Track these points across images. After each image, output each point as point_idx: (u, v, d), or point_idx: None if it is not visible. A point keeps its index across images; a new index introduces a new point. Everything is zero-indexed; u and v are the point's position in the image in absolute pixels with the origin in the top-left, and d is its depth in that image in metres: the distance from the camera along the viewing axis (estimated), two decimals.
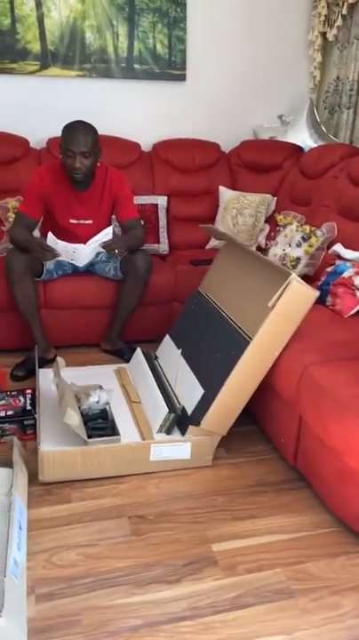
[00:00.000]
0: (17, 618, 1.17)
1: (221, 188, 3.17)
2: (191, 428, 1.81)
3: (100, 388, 2.01)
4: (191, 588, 1.38)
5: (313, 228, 2.49)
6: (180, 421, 1.86)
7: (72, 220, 2.44)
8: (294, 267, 2.47)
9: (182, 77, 3.25)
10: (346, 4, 2.99)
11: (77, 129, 2.25)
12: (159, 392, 1.97)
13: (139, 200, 2.92)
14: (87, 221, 2.43)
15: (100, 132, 2.33)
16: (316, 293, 1.69)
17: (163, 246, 3.03)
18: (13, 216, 2.65)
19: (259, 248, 2.94)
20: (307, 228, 2.51)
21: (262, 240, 2.96)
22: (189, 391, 1.90)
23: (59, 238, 2.25)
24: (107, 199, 2.45)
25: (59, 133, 2.32)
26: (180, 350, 2.09)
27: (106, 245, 2.28)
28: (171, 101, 3.29)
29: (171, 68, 3.22)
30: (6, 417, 1.97)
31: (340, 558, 1.49)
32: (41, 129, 3.00)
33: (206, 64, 3.27)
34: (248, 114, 3.44)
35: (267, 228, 2.98)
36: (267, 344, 1.72)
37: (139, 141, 3.17)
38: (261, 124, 3.45)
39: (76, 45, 3.05)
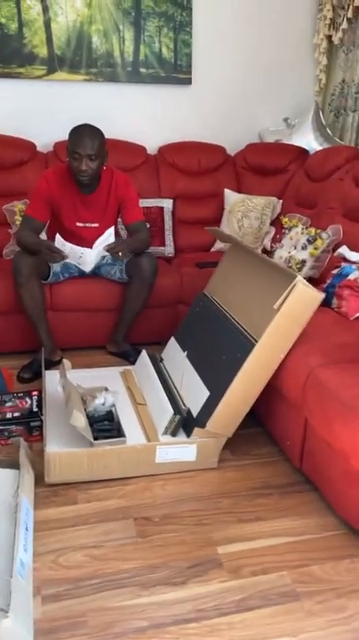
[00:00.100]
0: (23, 619, 1.17)
1: (227, 191, 3.18)
2: (196, 430, 1.81)
3: (106, 389, 2.02)
4: (196, 590, 1.39)
5: (318, 231, 2.49)
6: (186, 423, 1.87)
7: (78, 223, 2.45)
8: (300, 269, 2.47)
9: (188, 81, 3.26)
10: (351, 7, 3.00)
11: (84, 132, 2.27)
12: (164, 394, 1.98)
13: (145, 203, 2.93)
14: (93, 224, 2.45)
15: (107, 135, 2.35)
16: (322, 296, 1.69)
17: (169, 249, 3.04)
18: (20, 219, 2.67)
19: (264, 251, 2.95)
20: (313, 230, 2.51)
21: (268, 243, 2.97)
22: (195, 393, 1.90)
23: (66, 241, 2.27)
24: (113, 202, 2.47)
25: (65, 137, 2.34)
26: (186, 352, 2.10)
27: (109, 249, 2.29)
28: (177, 105, 3.30)
29: (176, 71, 3.23)
30: (13, 418, 1.98)
31: (346, 561, 1.49)
32: (47, 133, 3.02)
33: (212, 67, 3.29)
34: (253, 117, 3.44)
35: (273, 230, 2.98)
36: (273, 346, 1.72)
37: (145, 145, 3.18)
38: (267, 126, 3.45)
39: (83, 50, 3.07)
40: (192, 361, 2.04)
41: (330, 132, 3.24)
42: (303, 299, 1.67)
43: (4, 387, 2.25)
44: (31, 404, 2.06)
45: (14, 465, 1.68)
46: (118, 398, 2.03)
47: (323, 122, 3.27)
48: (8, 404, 2.05)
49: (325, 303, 1.98)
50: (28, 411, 2.02)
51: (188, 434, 1.84)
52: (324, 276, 2.33)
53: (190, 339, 2.15)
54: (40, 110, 3.09)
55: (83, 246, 2.38)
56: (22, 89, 3.07)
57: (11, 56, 3.00)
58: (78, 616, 1.30)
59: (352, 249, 2.33)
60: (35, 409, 2.03)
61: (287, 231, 2.67)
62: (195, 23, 3.17)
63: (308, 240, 2.49)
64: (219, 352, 1.88)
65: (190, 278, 2.67)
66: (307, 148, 3.19)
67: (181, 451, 1.83)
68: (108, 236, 2.31)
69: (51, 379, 2.13)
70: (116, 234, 2.66)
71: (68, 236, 2.37)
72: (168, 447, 1.81)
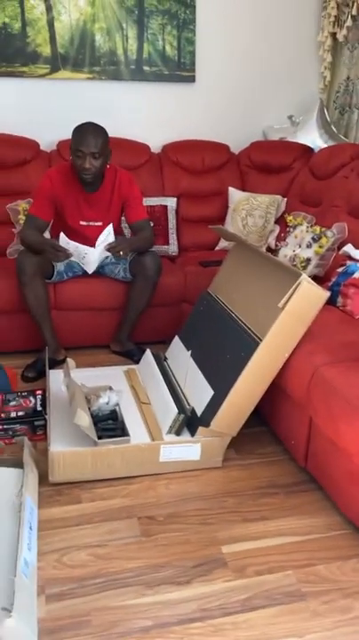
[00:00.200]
0: (27, 618, 1.17)
1: (231, 190, 3.16)
2: (201, 429, 1.81)
3: (110, 389, 2.01)
4: (201, 590, 1.38)
5: (323, 229, 2.47)
6: (190, 422, 1.86)
7: (82, 222, 2.45)
8: (304, 267, 2.46)
9: (191, 79, 3.25)
10: (355, 4, 2.98)
11: (88, 130, 2.26)
12: (169, 393, 1.97)
13: (149, 202, 2.92)
14: (97, 223, 2.44)
15: (110, 134, 2.34)
16: (327, 294, 1.68)
17: (173, 248, 3.03)
18: (24, 218, 2.67)
19: (269, 249, 2.94)
20: (318, 228, 2.49)
21: (272, 241, 2.96)
22: (199, 392, 1.90)
23: (70, 240, 2.27)
24: (117, 201, 2.46)
25: (69, 136, 2.34)
26: (190, 351, 2.09)
27: (110, 248, 2.29)
28: (181, 103, 3.29)
29: (180, 69, 3.22)
30: (17, 417, 1.98)
31: (352, 561, 1.48)
32: (51, 132, 3.02)
33: (215, 65, 3.28)
34: (258, 115, 3.43)
35: (277, 229, 2.97)
36: (278, 345, 1.71)
37: (149, 143, 3.17)
38: (271, 124, 3.44)
39: (86, 48, 3.07)
40: (196, 360, 2.03)
41: (334, 129, 3.22)
42: (308, 297, 1.66)
43: (9, 386, 2.26)
44: (35, 404, 2.06)
45: (18, 464, 1.67)
46: (122, 397, 2.02)
47: (328, 119, 3.26)
48: (12, 404, 2.05)
49: (330, 302, 1.97)
50: (32, 410, 2.02)
51: (192, 433, 1.84)
52: (329, 275, 2.32)
53: (194, 338, 2.14)
54: (43, 109, 3.08)
55: (86, 245, 2.38)
56: (26, 88, 3.07)
57: (15, 55, 3.00)
58: (82, 615, 1.30)
59: (357, 247, 2.31)
60: (39, 408, 2.03)
61: (292, 229, 2.65)
62: (199, 21, 3.16)
63: (313, 238, 2.48)
64: (223, 351, 1.87)
65: (194, 277, 2.66)
66: (311, 146, 3.17)
67: (185, 450, 1.82)
68: (107, 235, 2.31)
69: (55, 378, 2.13)
70: (120, 232, 2.66)
71: (72, 235, 2.37)
72: (172, 446, 1.81)
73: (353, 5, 3.01)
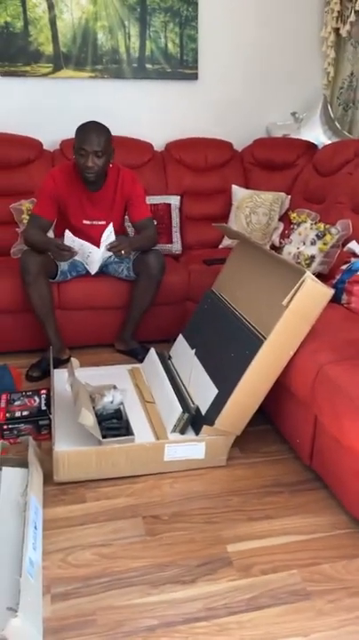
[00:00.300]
0: (32, 617, 1.17)
1: (234, 187, 3.15)
2: (205, 428, 1.80)
3: (114, 388, 2.01)
4: (206, 589, 1.38)
5: (327, 226, 2.46)
6: (194, 421, 1.86)
7: (85, 221, 2.45)
8: (308, 265, 2.45)
9: (194, 76, 3.24)
10: None
11: (91, 128, 2.26)
12: (173, 392, 1.97)
13: (152, 200, 2.92)
14: (100, 222, 2.44)
15: (113, 132, 2.34)
16: (331, 291, 1.67)
17: (176, 246, 3.02)
18: (28, 218, 2.67)
19: (273, 247, 2.92)
20: (322, 225, 2.48)
21: (276, 238, 2.94)
22: (203, 391, 1.89)
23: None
24: (120, 199, 2.46)
25: (72, 135, 2.34)
26: (194, 350, 2.09)
27: (111, 247, 2.29)
28: (184, 100, 3.28)
29: (182, 67, 3.21)
30: (22, 417, 1.98)
31: (357, 559, 1.47)
32: (54, 131, 3.02)
33: (218, 62, 3.26)
34: (261, 111, 3.42)
35: (281, 226, 2.96)
36: (282, 343, 1.70)
37: (152, 141, 3.17)
38: (274, 121, 3.42)
39: (88, 46, 3.06)
40: (200, 358, 2.03)
41: (338, 125, 3.21)
42: (312, 295, 1.65)
43: (13, 385, 2.26)
44: (40, 403, 2.06)
45: (23, 464, 1.68)
46: (126, 396, 2.02)
47: (332, 115, 3.24)
48: (17, 403, 2.05)
49: (335, 299, 1.95)
50: (37, 409, 2.03)
51: (197, 432, 1.84)
52: (334, 272, 2.31)
53: (198, 336, 2.14)
54: (46, 108, 3.08)
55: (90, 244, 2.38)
56: (28, 87, 3.06)
57: (17, 54, 3.00)
58: (88, 615, 1.30)
59: None
60: (43, 407, 2.03)
61: (296, 227, 2.64)
62: (201, 18, 3.15)
63: (317, 235, 2.47)
64: (227, 349, 1.87)
65: (198, 275, 2.66)
66: (315, 143, 3.15)
67: (190, 449, 1.82)
68: (109, 235, 2.31)
69: (60, 377, 2.13)
70: (124, 231, 2.66)
71: (76, 234, 2.37)
72: (176, 445, 1.81)
73: (356, 1, 2.99)
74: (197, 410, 1.88)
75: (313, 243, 2.47)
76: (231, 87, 3.33)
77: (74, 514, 1.63)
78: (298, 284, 1.63)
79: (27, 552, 1.30)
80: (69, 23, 3.01)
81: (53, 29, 3.00)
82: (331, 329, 1.82)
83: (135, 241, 2.44)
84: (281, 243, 2.78)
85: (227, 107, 3.35)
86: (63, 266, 2.47)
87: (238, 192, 3.13)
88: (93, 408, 1.89)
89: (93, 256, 2.38)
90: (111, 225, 2.33)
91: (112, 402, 1.95)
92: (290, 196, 3.03)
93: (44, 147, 3.03)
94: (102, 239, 2.32)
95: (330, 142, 3.09)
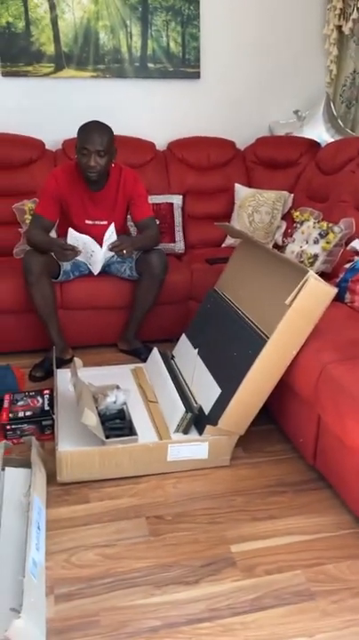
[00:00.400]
0: (36, 618, 1.17)
1: (237, 186, 3.15)
2: (208, 428, 1.80)
3: (118, 387, 2.01)
4: (210, 590, 1.37)
5: (330, 225, 2.45)
6: (198, 421, 1.85)
7: (87, 221, 2.44)
8: (312, 264, 2.44)
9: (196, 75, 3.23)
10: None
11: (93, 128, 2.26)
12: (176, 391, 1.96)
13: (155, 199, 2.91)
14: (102, 222, 2.43)
15: (115, 132, 2.33)
16: (334, 290, 1.66)
17: (179, 245, 3.02)
18: (30, 218, 2.67)
19: (275, 245, 2.92)
20: (325, 224, 2.47)
21: (279, 237, 2.93)
22: (206, 390, 1.89)
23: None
24: (122, 199, 2.45)
25: (74, 135, 2.33)
26: (197, 349, 2.08)
27: (113, 247, 2.29)
28: (186, 99, 3.27)
29: (184, 65, 3.21)
30: (25, 417, 1.99)
31: None
32: (56, 131, 3.02)
33: (220, 61, 3.25)
34: (263, 110, 3.41)
35: (284, 225, 2.95)
36: (285, 342, 1.70)
37: (154, 141, 3.16)
38: (277, 119, 3.41)
39: (90, 46, 3.06)
40: (203, 358, 2.02)
41: (341, 123, 3.19)
42: (315, 294, 1.64)
43: (16, 386, 2.26)
44: (43, 403, 2.06)
45: (26, 464, 1.68)
46: (130, 396, 2.02)
47: (335, 113, 3.23)
48: (20, 403, 2.05)
49: (338, 298, 1.94)
50: (40, 409, 2.03)
51: (200, 431, 1.83)
52: (337, 271, 2.29)
53: (201, 335, 2.13)
54: (48, 108, 3.08)
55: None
56: (30, 87, 3.06)
57: (19, 54, 2.99)
58: (91, 615, 1.30)
59: None
60: (46, 408, 2.03)
61: (298, 225, 2.63)
62: (203, 16, 3.14)
63: (320, 234, 2.45)
64: (230, 349, 1.86)
65: (201, 274, 2.65)
66: (318, 141, 3.14)
67: (193, 449, 1.81)
68: (110, 235, 2.30)
69: (63, 377, 2.13)
70: (126, 231, 2.65)
71: None
72: (180, 445, 1.80)
73: None
74: (200, 410, 1.87)
75: (316, 241, 2.46)
76: (233, 86, 3.32)
77: (77, 514, 1.63)
78: (301, 283, 1.63)
79: (30, 553, 1.30)
80: (71, 23, 3.01)
81: (55, 29, 3.00)
82: (334, 328, 1.81)
83: (137, 240, 2.44)
84: (284, 241, 2.77)
85: (230, 105, 3.34)
86: (66, 266, 2.46)
87: (241, 191, 3.12)
88: (96, 408, 1.88)
89: (96, 256, 2.38)
90: (112, 225, 2.33)
91: (115, 402, 1.94)
92: (292, 195, 3.02)
93: (47, 147, 3.03)
94: (104, 239, 2.32)
95: (333, 140, 3.07)
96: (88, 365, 2.27)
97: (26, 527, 1.40)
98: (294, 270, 1.72)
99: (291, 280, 1.68)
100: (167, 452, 1.79)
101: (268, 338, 1.69)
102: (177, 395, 1.94)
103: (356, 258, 2.20)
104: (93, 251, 2.36)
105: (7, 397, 2.08)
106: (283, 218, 2.99)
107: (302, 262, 2.46)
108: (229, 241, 3.06)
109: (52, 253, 2.35)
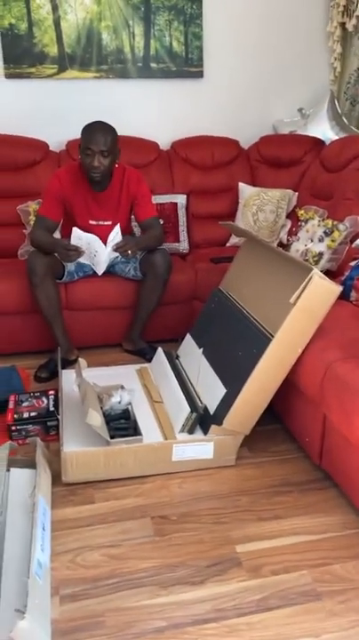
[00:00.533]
0: (40, 619, 1.17)
1: (241, 185, 3.14)
2: (213, 428, 1.79)
3: (122, 388, 2.01)
4: (215, 590, 1.37)
5: (335, 223, 2.44)
6: (203, 421, 1.85)
7: (91, 222, 2.44)
8: (317, 262, 2.42)
9: (199, 74, 3.23)
10: None
11: (97, 128, 2.26)
12: (181, 391, 1.96)
13: (159, 199, 2.91)
14: (106, 222, 2.43)
15: (119, 132, 2.33)
16: (339, 289, 1.65)
17: (184, 245, 3.01)
18: (34, 219, 2.67)
19: (280, 244, 2.90)
20: (329, 222, 2.46)
21: (284, 236, 2.92)
22: (211, 390, 1.88)
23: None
24: (126, 199, 2.45)
25: (77, 136, 2.33)
26: (202, 349, 2.08)
27: (117, 248, 2.29)
28: (189, 99, 3.27)
29: (188, 65, 3.20)
30: (30, 418, 1.99)
31: None
32: (60, 132, 3.02)
33: (223, 60, 3.24)
34: (267, 108, 3.39)
35: (289, 223, 2.94)
36: (290, 341, 1.69)
37: (158, 140, 3.16)
38: (281, 118, 3.40)
39: (93, 47, 3.06)
40: (208, 357, 2.01)
41: (346, 120, 3.17)
42: (319, 292, 1.63)
43: (22, 386, 2.27)
44: (48, 404, 2.06)
45: (31, 464, 1.68)
46: (134, 396, 2.02)
47: (339, 111, 3.21)
48: (25, 404, 2.06)
49: (343, 296, 1.93)
50: (45, 410, 2.03)
51: (205, 431, 1.82)
52: (342, 269, 2.28)
53: (206, 335, 2.13)
54: (52, 109, 3.08)
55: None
56: (33, 89, 3.07)
57: (22, 56, 3.00)
58: (96, 616, 1.30)
59: None
60: (51, 408, 2.03)
61: (303, 224, 2.62)
62: (206, 15, 3.13)
63: (325, 232, 2.44)
64: (235, 348, 1.85)
65: (205, 274, 2.64)
66: (322, 139, 3.13)
67: (198, 448, 1.81)
68: (116, 235, 2.30)
69: (68, 378, 2.13)
70: (130, 231, 2.65)
71: None
72: (185, 445, 1.80)
73: None
74: (205, 409, 1.87)
75: (321, 240, 2.45)
76: (237, 84, 3.31)
77: (82, 514, 1.63)
78: (305, 282, 1.62)
79: (35, 553, 1.30)
80: (74, 24, 3.01)
81: (58, 30, 3.00)
82: (339, 326, 1.80)
83: (141, 241, 2.44)
84: (288, 240, 2.76)
85: (233, 104, 3.33)
86: (70, 266, 2.47)
87: (245, 190, 3.11)
88: (101, 408, 1.88)
89: (99, 256, 2.38)
90: (118, 225, 2.33)
91: (120, 402, 1.94)
92: (297, 193, 3.01)
93: (50, 148, 3.03)
94: (109, 239, 2.32)
95: (337, 138, 3.06)
96: (93, 366, 2.27)
97: (31, 528, 1.40)
98: (299, 269, 1.71)
99: (295, 278, 1.67)
100: (172, 452, 1.79)
101: (273, 337, 1.68)
102: (182, 394, 1.94)
103: None
104: (97, 250, 2.36)
105: (12, 398, 2.08)
106: (288, 216, 2.97)
107: (307, 261, 2.45)
108: (234, 240, 3.05)
109: (56, 254, 2.35)
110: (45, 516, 1.51)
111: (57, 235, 2.54)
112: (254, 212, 3.01)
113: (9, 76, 3.01)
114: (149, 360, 2.42)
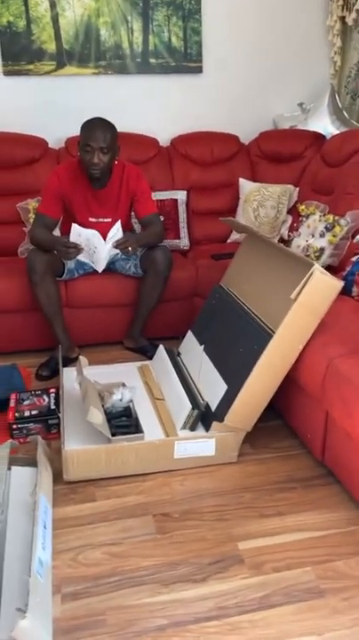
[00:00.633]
0: (42, 618, 1.16)
1: (242, 181, 3.12)
2: (215, 425, 1.78)
3: (124, 385, 2.00)
4: (217, 588, 1.36)
5: (336, 218, 2.42)
6: (204, 418, 1.84)
7: (91, 219, 2.43)
8: (318, 257, 2.41)
9: (199, 70, 3.21)
10: None
11: (96, 125, 2.25)
12: (182, 388, 1.95)
13: (159, 196, 2.89)
14: (106, 219, 2.42)
15: (118, 128, 2.32)
16: (340, 284, 1.64)
17: (184, 241, 3.00)
18: (34, 217, 2.66)
19: (281, 240, 2.89)
20: (331, 217, 2.44)
21: (285, 232, 2.90)
22: (212, 387, 1.87)
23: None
24: (125, 196, 2.44)
25: (76, 132, 2.32)
26: (203, 346, 2.07)
27: (118, 245, 2.27)
28: (189, 94, 3.25)
29: (187, 60, 3.18)
30: (31, 416, 1.98)
31: None
32: (59, 129, 3.00)
33: (223, 55, 3.22)
34: (267, 103, 3.37)
35: (290, 219, 2.92)
36: (291, 337, 1.68)
37: (157, 137, 3.14)
38: (281, 112, 3.38)
39: (91, 43, 3.04)
40: (209, 354, 2.00)
41: (346, 115, 3.15)
42: (321, 287, 1.62)
43: (22, 385, 2.26)
44: (49, 402, 2.05)
45: (32, 463, 1.67)
46: (136, 394, 2.01)
47: (340, 105, 3.19)
48: (26, 402, 2.05)
49: (345, 291, 1.92)
50: (46, 408, 2.02)
51: (207, 428, 1.82)
52: (344, 264, 2.27)
53: (207, 332, 2.12)
54: (50, 106, 3.07)
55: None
56: (32, 86, 3.05)
57: (20, 53, 2.99)
58: (98, 614, 1.29)
59: None
60: (52, 406, 2.03)
61: (304, 219, 2.60)
62: (204, 10, 3.11)
63: (326, 227, 2.42)
64: (236, 344, 1.84)
65: (206, 270, 2.63)
66: (323, 133, 3.11)
67: (200, 445, 1.80)
68: (116, 231, 2.29)
69: (69, 376, 2.12)
70: (130, 228, 2.64)
71: None
72: (186, 442, 1.79)
73: None
74: (207, 406, 1.86)
75: (322, 235, 2.43)
76: (236, 79, 3.29)
77: (84, 513, 1.62)
78: (306, 277, 1.60)
79: (36, 552, 1.30)
80: (72, 20, 2.99)
81: (56, 27, 2.99)
82: (340, 322, 1.78)
83: (141, 237, 2.42)
84: (290, 236, 2.74)
85: (233, 99, 3.31)
86: (70, 264, 2.46)
87: (245, 185, 3.09)
88: (102, 406, 1.88)
89: (99, 253, 2.36)
90: (119, 222, 2.32)
91: (121, 399, 1.93)
92: (298, 189, 2.99)
93: (49, 145, 3.02)
94: (109, 236, 2.30)
95: (338, 132, 3.04)
96: (94, 364, 2.26)
97: (32, 526, 1.40)
98: (300, 264, 1.70)
99: (296, 274, 1.65)
100: (174, 450, 1.78)
101: (274, 333, 1.67)
102: (183, 392, 1.93)
103: None
104: (96, 247, 2.35)
105: (13, 396, 2.08)
106: (289, 212, 2.96)
107: (308, 256, 2.43)
108: (235, 236, 3.03)
109: (56, 252, 2.34)
110: (46, 514, 1.50)
111: (57, 232, 2.53)
112: (255, 207, 3.00)
113: (7, 73, 3.00)
114: (150, 357, 2.41)
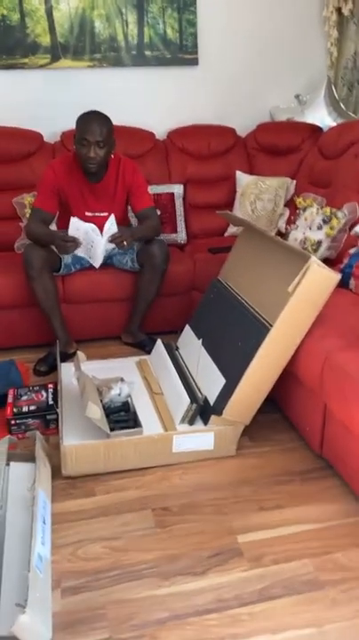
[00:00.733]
0: (41, 613, 1.16)
1: (238, 174, 3.10)
2: (214, 418, 1.78)
3: (122, 380, 2.00)
4: (217, 580, 1.36)
5: (334, 210, 2.41)
6: (203, 412, 1.84)
7: (87, 213, 2.42)
8: (315, 250, 2.40)
9: (194, 61, 3.19)
10: None
11: (93, 118, 2.23)
12: (181, 383, 1.95)
13: (155, 189, 2.88)
14: (102, 213, 2.41)
15: (114, 122, 2.31)
16: (338, 276, 1.63)
17: (181, 235, 2.99)
18: (30, 212, 2.65)
19: (279, 233, 2.88)
20: (328, 209, 2.43)
21: (282, 225, 2.90)
22: (211, 381, 1.87)
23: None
24: (121, 190, 2.43)
25: (72, 126, 2.31)
26: (201, 340, 2.06)
27: (113, 239, 2.26)
28: (184, 87, 3.23)
29: (182, 52, 3.16)
30: (29, 412, 1.98)
31: None
32: (54, 122, 2.98)
33: (218, 46, 3.20)
34: (264, 95, 3.35)
35: (287, 212, 2.91)
36: (288, 331, 1.67)
37: (153, 130, 3.12)
38: (278, 105, 3.36)
39: (86, 36, 3.02)
40: (207, 348, 2.00)
41: (343, 106, 3.14)
42: (318, 280, 1.62)
43: (21, 380, 2.26)
44: (47, 397, 2.05)
45: (31, 458, 1.67)
46: (134, 388, 2.01)
47: (336, 96, 3.17)
48: (24, 398, 2.05)
49: (342, 284, 1.91)
50: (45, 404, 2.02)
51: (206, 422, 1.82)
52: (341, 257, 2.26)
53: (205, 326, 2.11)
54: (45, 100, 3.05)
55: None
56: (27, 79, 3.03)
57: (15, 47, 2.96)
58: (98, 608, 1.29)
59: None
60: (51, 402, 2.02)
61: (301, 212, 2.59)
62: (200, 1, 3.09)
63: (324, 220, 2.42)
64: (234, 338, 1.84)
65: (203, 264, 2.63)
66: (320, 125, 3.09)
67: (199, 439, 1.80)
68: (110, 226, 2.28)
69: (67, 371, 2.12)
70: (127, 222, 2.63)
71: None
72: (185, 436, 1.79)
73: None
74: (205, 400, 1.86)
75: (319, 227, 2.43)
76: (232, 71, 3.27)
77: (83, 507, 1.62)
78: (303, 270, 1.60)
79: (35, 547, 1.30)
80: (66, 13, 2.97)
81: (50, 20, 2.96)
82: (338, 314, 1.78)
83: (137, 231, 2.41)
84: (287, 229, 2.74)
85: (229, 91, 3.29)
86: (67, 259, 2.45)
87: (242, 178, 3.08)
88: (101, 401, 1.87)
89: (96, 249, 2.35)
90: (112, 216, 2.31)
91: (119, 394, 1.93)
92: (295, 181, 2.98)
93: (45, 139, 3.00)
94: (104, 230, 2.30)
95: (335, 124, 3.02)
96: (92, 359, 2.26)
97: (31, 522, 1.40)
98: (297, 257, 1.69)
99: (293, 267, 1.65)
100: (172, 444, 1.78)
101: (272, 326, 1.66)
102: (182, 386, 1.93)
103: None
104: (93, 241, 2.34)
105: (11, 392, 2.07)
106: (286, 205, 2.95)
107: (306, 249, 2.42)
108: (232, 230, 3.02)
109: (53, 246, 2.33)
110: (45, 509, 1.50)
111: (53, 227, 2.52)
112: (252, 200, 2.99)
113: (1, 67, 2.98)
114: (149, 352, 2.40)
